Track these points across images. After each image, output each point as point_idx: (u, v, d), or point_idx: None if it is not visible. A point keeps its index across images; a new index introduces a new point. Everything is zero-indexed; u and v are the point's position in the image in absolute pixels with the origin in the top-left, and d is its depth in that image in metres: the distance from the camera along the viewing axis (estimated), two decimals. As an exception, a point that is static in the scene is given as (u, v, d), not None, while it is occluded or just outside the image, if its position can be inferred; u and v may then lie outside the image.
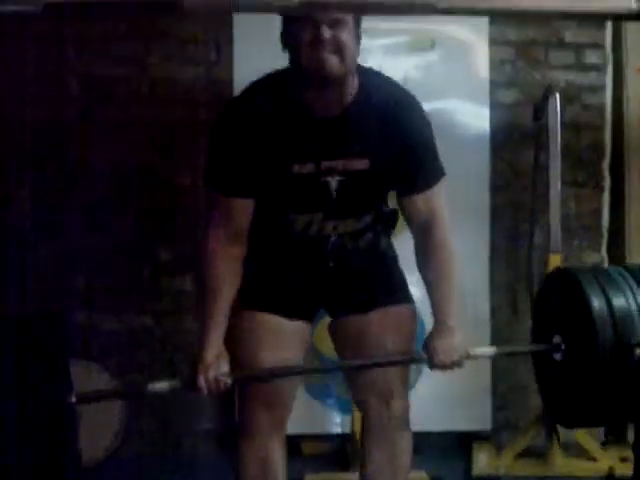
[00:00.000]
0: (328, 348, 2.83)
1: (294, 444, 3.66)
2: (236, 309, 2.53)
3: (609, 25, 4.00)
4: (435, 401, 3.74)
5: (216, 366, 2.47)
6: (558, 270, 3.10)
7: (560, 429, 3.58)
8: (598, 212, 4.07)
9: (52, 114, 3.90)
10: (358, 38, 2.39)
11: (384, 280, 2.64)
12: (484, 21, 3.87)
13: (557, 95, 3.60)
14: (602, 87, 4.05)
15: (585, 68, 4.05)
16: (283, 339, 2.56)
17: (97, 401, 2.75)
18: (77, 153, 3.92)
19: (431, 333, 2.54)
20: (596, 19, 3.86)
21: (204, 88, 3.92)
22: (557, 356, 2.64)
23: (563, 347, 2.62)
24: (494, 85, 3.96)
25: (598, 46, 4.03)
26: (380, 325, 2.59)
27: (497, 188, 3.98)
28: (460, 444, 3.91)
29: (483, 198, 3.91)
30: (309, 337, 2.66)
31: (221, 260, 2.48)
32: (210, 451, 3.98)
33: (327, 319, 2.70)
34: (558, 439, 3.64)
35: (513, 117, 4.00)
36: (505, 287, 4.01)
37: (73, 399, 2.39)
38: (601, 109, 4.04)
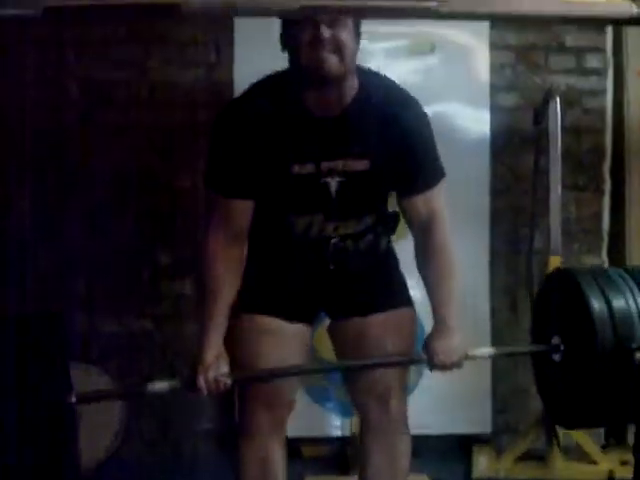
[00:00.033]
0: (327, 350, 2.83)
1: (294, 447, 3.65)
2: (236, 312, 2.52)
3: (610, 29, 4.01)
4: (435, 404, 3.75)
5: (216, 367, 2.47)
6: (558, 271, 3.10)
7: (560, 432, 3.58)
8: (598, 216, 4.07)
9: (52, 118, 3.90)
10: (358, 38, 2.39)
11: (384, 282, 2.64)
12: (484, 25, 3.87)
13: (557, 99, 3.60)
14: (603, 91, 4.05)
15: (586, 72, 4.05)
16: (283, 342, 2.56)
17: (97, 401, 2.76)
18: (77, 156, 3.92)
19: (431, 333, 2.54)
20: (596, 23, 3.87)
21: (204, 90, 3.92)
22: (556, 357, 2.64)
23: (562, 348, 2.62)
24: (494, 89, 3.96)
25: (599, 50, 4.04)
26: (380, 328, 2.58)
27: (497, 192, 3.98)
28: (460, 447, 3.90)
29: (483, 202, 3.91)
30: (309, 340, 2.65)
31: (221, 261, 2.48)
32: (210, 451, 3.97)
33: (326, 321, 2.69)
34: (558, 442, 3.63)
35: (513, 121, 4.00)
36: (505, 289, 4.00)
37: (73, 399, 2.39)
38: (602, 113, 4.05)
